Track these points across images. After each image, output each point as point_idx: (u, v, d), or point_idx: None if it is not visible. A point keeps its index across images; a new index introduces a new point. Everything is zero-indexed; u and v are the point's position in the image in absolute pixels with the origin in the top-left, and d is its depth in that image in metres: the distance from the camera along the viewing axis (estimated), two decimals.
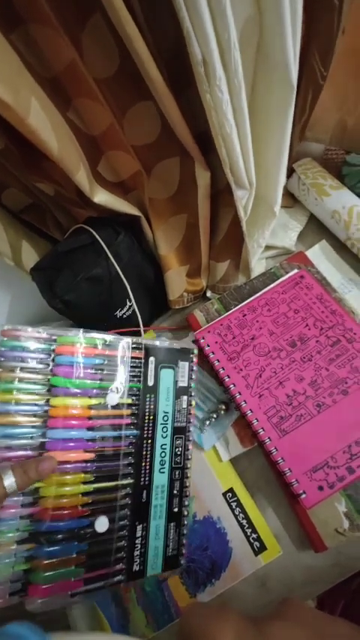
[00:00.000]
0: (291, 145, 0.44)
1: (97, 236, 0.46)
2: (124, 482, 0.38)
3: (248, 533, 0.43)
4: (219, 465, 0.47)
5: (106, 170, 0.47)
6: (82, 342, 0.38)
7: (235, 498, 0.45)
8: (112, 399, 0.38)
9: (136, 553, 0.38)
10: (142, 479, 0.40)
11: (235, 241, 0.51)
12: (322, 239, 0.55)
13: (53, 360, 0.37)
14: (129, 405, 0.40)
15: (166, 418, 0.42)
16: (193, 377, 0.45)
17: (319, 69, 0.40)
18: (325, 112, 0.54)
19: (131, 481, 0.39)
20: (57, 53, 0.35)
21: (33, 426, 0.35)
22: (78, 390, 0.36)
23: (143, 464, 0.40)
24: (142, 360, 0.41)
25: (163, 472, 0.41)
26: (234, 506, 0.45)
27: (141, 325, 0.51)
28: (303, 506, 0.39)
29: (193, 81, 0.34)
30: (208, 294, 0.57)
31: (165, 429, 0.42)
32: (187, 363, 0.45)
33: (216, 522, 0.45)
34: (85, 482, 0.36)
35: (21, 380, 0.35)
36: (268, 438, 0.42)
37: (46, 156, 0.38)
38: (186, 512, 0.42)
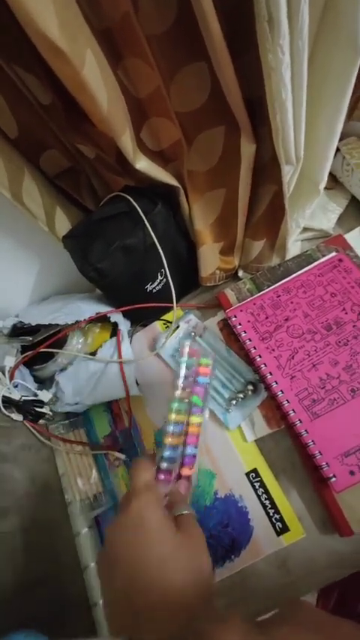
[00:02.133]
0: None
1: (136, 204, 0.44)
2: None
3: (271, 514, 0.43)
4: (243, 445, 0.47)
5: (148, 137, 0.45)
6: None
7: (259, 479, 0.45)
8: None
9: None
10: None
11: (273, 220, 0.49)
12: None
13: (194, 380, 0.38)
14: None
15: None
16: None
17: None
18: None
19: None
20: (111, 3, 0.33)
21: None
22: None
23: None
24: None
25: None
26: (257, 487, 0.45)
27: (174, 299, 0.50)
28: (332, 490, 0.38)
29: (250, 44, 0.33)
30: (240, 273, 0.56)
31: None
32: None
33: (238, 501, 0.45)
34: None
35: (181, 400, 0.36)
36: (299, 420, 0.41)
37: (90, 117, 0.37)
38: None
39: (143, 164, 0.42)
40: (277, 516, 0.43)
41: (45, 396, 0.52)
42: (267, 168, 0.46)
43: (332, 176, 0.56)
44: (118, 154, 0.42)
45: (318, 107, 0.39)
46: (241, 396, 0.47)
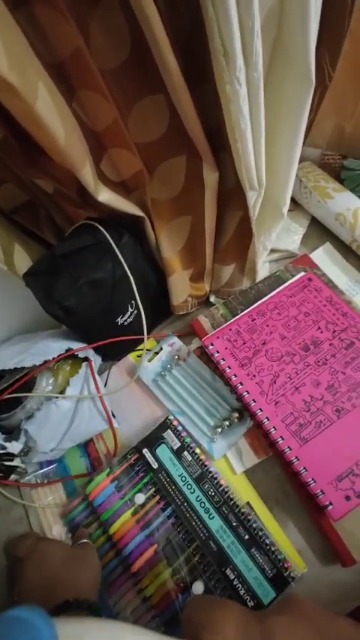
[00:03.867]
0: None
1: (107, 234, 0.43)
2: (191, 547, 0.41)
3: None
4: (233, 479, 0.44)
5: (109, 168, 0.44)
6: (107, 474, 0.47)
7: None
8: (140, 499, 0.45)
9: (242, 592, 0.38)
10: (202, 534, 0.41)
11: (241, 244, 0.49)
12: (325, 242, 0.54)
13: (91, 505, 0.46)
14: (153, 494, 0.45)
15: (184, 478, 0.45)
16: (183, 435, 0.47)
17: (327, 70, 0.40)
18: (323, 117, 0.55)
19: (196, 543, 0.41)
20: (62, 39, 0.32)
21: (114, 559, 0.42)
22: (119, 508, 0.44)
23: (194, 523, 0.42)
24: (139, 457, 0.47)
25: (213, 517, 0.42)
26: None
27: (145, 331, 0.48)
28: (330, 519, 0.37)
29: (207, 76, 0.33)
30: (212, 299, 0.55)
31: (189, 487, 0.44)
32: (170, 431, 0.48)
33: None
34: (167, 567, 0.40)
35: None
36: (288, 447, 0.40)
37: (47, 151, 0.35)
38: (259, 531, 0.40)
39: (105, 196, 0.41)
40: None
41: (15, 447, 0.47)
42: (231, 194, 0.46)
43: (292, 199, 0.58)
44: (79, 187, 0.40)
45: (276, 135, 0.40)
46: (227, 423, 0.46)
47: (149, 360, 0.53)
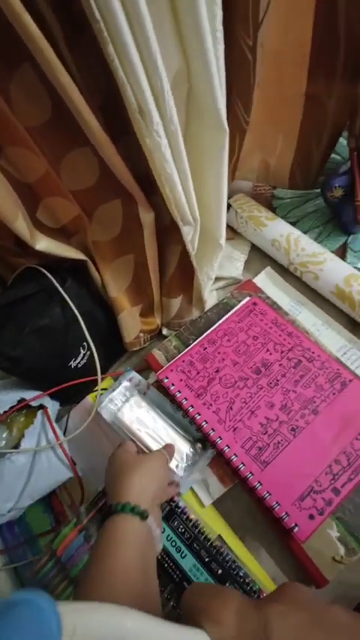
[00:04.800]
0: None
1: (53, 279, 0.43)
2: (166, 591, 0.39)
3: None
4: (202, 512, 0.44)
5: (46, 216, 0.45)
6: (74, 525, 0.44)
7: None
8: None
9: None
10: (175, 576, 0.40)
11: (185, 276, 0.51)
12: (266, 266, 0.57)
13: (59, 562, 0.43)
14: None
15: None
16: None
17: (242, 115, 0.44)
18: (249, 154, 0.59)
19: (170, 586, 0.40)
20: None
21: None
22: None
23: (166, 565, 0.40)
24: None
25: (185, 555, 0.41)
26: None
27: (99, 371, 0.47)
28: (297, 541, 0.37)
29: (129, 128, 0.35)
30: (164, 331, 0.56)
31: None
32: None
33: None
34: None
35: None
36: (250, 472, 0.40)
37: None
38: (232, 564, 0.39)
39: (44, 244, 0.41)
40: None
41: None
42: (169, 230, 0.48)
43: (231, 228, 0.61)
44: (16, 238, 0.40)
45: (203, 176, 0.43)
46: (191, 455, 0.45)
47: (109, 396, 0.52)
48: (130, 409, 0.49)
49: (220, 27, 0.31)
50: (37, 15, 0.28)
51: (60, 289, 0.44)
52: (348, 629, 0.20)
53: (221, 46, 0.32)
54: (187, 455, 0.46)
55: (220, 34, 0.31)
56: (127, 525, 0.31)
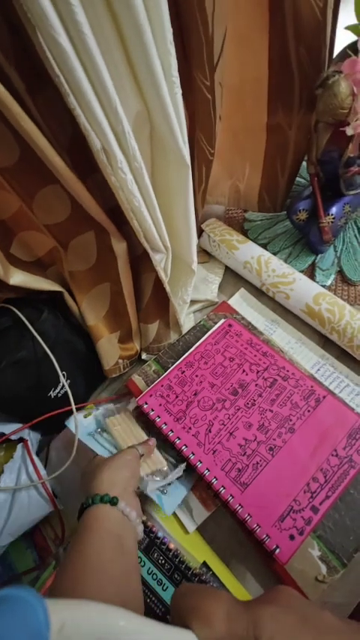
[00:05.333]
0: (196, 210, 0.48)
1: (21, 315, 0.43)
2: None
3: None
4: (186, 539, 0.43)
5: (20, 251, 0.46)
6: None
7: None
8: None
9: None
10: (158, 610, 0.39)
11: (161, 301, 0.52)
12: (240, 287, 0.59)
13: None
14: None
15: None
16: None
17: (207, 148, 0.46)
18: (219, 180, 0.62)
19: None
20: None
21: None
22: None
23: (148, 600, 0.40)
24: None
25: (167, 587, 0.40)
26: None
27: (73, 405, 0.47)
28: (280, 563, 0.37)
29: (96, 166, 0.37)
30: (144, 356, 0.57)
31: (140, 560, 0.42)
32: None
33: None
34: None
35: None
36: (230, 495, 0.40)
37: None
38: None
39: (18, 278, 0.42)
40: None
41: None
42: (142, 258, 0.49)
43: (205, 252, 0.63)
44: None
45: (171, 206, 0.44)
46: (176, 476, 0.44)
47: (85, 417, 0.51)
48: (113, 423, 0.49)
49: (175, 73, 0.33)
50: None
51: (29, 326, 0.44)
52: (338, 632, 0.20)
53: (178, 89, 0.35)
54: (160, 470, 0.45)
55: (176, 79, 0.34)
56: (98, 513, 0.32)
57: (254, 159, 0.57)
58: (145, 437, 0.47)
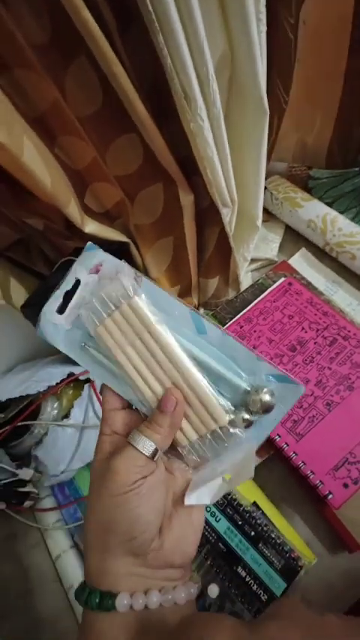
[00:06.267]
0: None
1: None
2: (203, 551, 0.43)
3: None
4: None
5: (92, 201, 0.48)
6: None
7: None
8: None
9: (255, 588, 0.40)
10: (211, 537, 0.43)
11: (222, 257, 0.52)
12: (300, 247, 0.58)
13: None
14: None
15: None
16: None
17: (282, 95, 0.44)
18: (286, 133, 0.59)
19: (207, 546, 0.43)
20: (41, 95, 0.36)
21: None
22: None
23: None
24: None
25: (219, 519, 0.43)
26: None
27: None
28: (331, 507, 0.39)
29: (172, 114, 0.37)
30: (201, 311, 0.58)
31: None
32: None
33: None
34: None
35: None
36: (286, 443, 0.42)
37: (35, 194, 0.38)
38: (264, 527, 0.42)
39: (92, 227, 0.44)
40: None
41: (26, 473, 0.49)
42: (208, 212, 0.50)
43: (266, 210, 0.62)
44: (67, 222, 0.43)
45: (242, 158, 0.44)
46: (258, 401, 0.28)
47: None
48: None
49: (263, 10, 0.32)
50: (95, 10, 0.30)
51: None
52: (342, 633, 0.21)
53: (264, 27, 0.33)
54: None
55: (264, 16, 0.32)
56: (96, 626, 0.23)
57: (327, 108, 0.53)
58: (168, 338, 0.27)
